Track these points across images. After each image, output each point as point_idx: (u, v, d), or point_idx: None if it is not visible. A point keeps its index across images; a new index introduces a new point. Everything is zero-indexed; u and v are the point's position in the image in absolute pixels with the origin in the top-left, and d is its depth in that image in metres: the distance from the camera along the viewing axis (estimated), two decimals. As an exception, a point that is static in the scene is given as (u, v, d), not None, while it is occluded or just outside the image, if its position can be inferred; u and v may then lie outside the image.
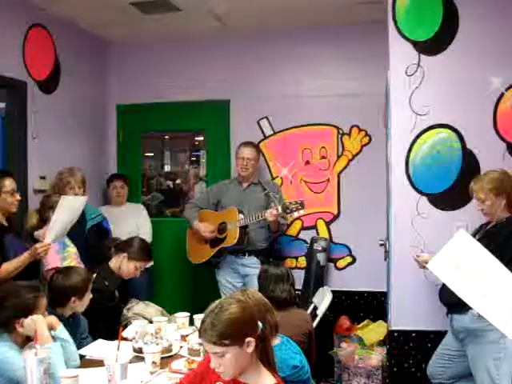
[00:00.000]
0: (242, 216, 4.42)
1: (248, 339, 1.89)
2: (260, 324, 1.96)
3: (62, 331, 2.71)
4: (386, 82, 3.91)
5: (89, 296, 3.13)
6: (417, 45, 3.66)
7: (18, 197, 3.38)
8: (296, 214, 4.23)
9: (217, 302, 1.98)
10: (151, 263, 4.27)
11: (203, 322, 1.93)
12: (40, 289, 2.68)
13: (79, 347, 3.02)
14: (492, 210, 3.17)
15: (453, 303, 3.13)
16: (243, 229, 4.41)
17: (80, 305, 3.09)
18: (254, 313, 1.97)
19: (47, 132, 4.55)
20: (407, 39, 3.67)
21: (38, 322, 2.50)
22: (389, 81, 3.75)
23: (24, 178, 4.21)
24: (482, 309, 2.86)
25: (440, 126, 3.65)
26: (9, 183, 3.33)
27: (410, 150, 3.68)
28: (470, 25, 3.61)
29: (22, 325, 2.49)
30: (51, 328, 2.65)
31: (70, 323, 3.08)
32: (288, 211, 4.19)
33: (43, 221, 3.76)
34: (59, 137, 4.74)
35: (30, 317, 2.50)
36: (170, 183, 6.78)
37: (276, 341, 2.48)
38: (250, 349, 1.90)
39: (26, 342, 2.53)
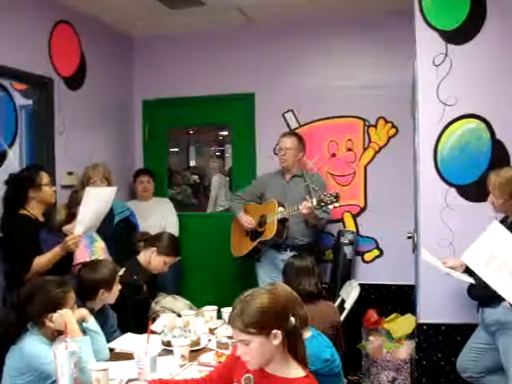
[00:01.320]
0: (281, 209, 4.33)
1: (275, 331, 1.90)
2: (292, 319, 1.96)
3: (92, 323, 2.73)
4: (413, 73, 3.86)
5: (117, 287, 3.14)
6: (444, 34, 3.61)
7: (54, 188, 3.51)
8: (331, 207, 4.14)
9: (249, 290, 1.99)
10: (179, 258, 4.28)
11: (233, 308, 1.95)
12: (68, 283, 2.69)
13: (108, 340, 3.04)
14: (503, 208, 3.16)
15: (484, 297, 3.10)
16: (282, 222, 4.33)
17: (109, 297, 3.11)
18: (284, 306, 1.97)
19: (74, 128, 4.60)
20: (434, 28, 3.62)
21: (67, 316, 2.51)
22: (416, 71, 3.70)
23: (52, 173, 4.24)
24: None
25: (468, 116, 3.60)
26: (45, 176, 3.44)
27: (438, 140, 3.63)
28: (497, 13, 3.54)
29: (51, 319, 2.50)
30: (83, 320, 2.67)
31: (99, 317, 3.10)
32: (322, 204, 4.09)
33: (72, 216, 3.79)
34: (86, 132, 4.79)
35: (58, 311, 2.52)
36: (196, 177, 6.82)
37: (307, 334, 2.48)
38: (277, 341, 1.91)
39: (56, 335, 2.55)
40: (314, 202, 4.11)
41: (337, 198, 4.08)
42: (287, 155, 4.52)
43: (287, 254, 4.33)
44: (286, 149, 4.52)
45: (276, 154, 4.87)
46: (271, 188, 4.60)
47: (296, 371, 1.97)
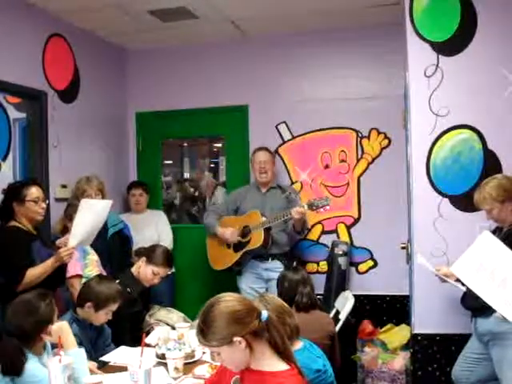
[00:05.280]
0: (264, 218, 4.40)
1: (235, 338, 1.91)
2: (264, 313, 1.96)
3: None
4: (405, 84, 3.89)
5: (106, 315, 3.02)
6: (435, 46, 3.64)
7: (43, 205, 3.36)
8: (322, 210, 4.20)
9: (207, 303, 1.99)
10: (170, 271, 4.23)
11: (196, 325, 1.99)
12: (49, 294, 2.61)
13: (102, 355, 3.03)
14: (501, 216, 3.14)
15: (477, 307, 3.10)
16: (267, 231, 4.40)
17: (93, 316, 3.01)
18: (242, 311, 1.94)
19: (68, 141, 4.60)
20: (425, 40, 3.65)
21: (64, 328, 2.51)
22: (408, 82, 3.73)
23: (46, 186, 4.24)
24: (506, 311, 2.84)
25: (460, 126, 3.62)
26: (32, 192, 3.32)
27: (430, 151, 3.66)
28: (488, 25, 3.58)
29: (50, 333, 2.47)
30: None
31: (94, 331, 3.09)
32: (314, 207, 4.17)
33: (68, 228, 3.78)
34: (80, 145, 4.79)
35: (56, 324, 2.50)
36: (191, 190, 6.81)
37: (298, 345, 2.49)
38: (242, 346, 1.92)
39: (42, 351, 2.52)
40: (306, 207, 4.16)
41: (327, 200, 4.16)
42: (267, 168, 4.61)
43: (269, 263, 4.50)
44: (264, 162, 4.60)
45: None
46: (247, 201, 4.65)
47: (278, 365, 1.98)
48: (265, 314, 1.97)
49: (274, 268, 4.44)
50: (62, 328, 2.51)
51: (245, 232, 4.52)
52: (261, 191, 4.68)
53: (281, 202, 4.55)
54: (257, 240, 4.41)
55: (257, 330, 1.94)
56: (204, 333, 1.94)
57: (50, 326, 2.48)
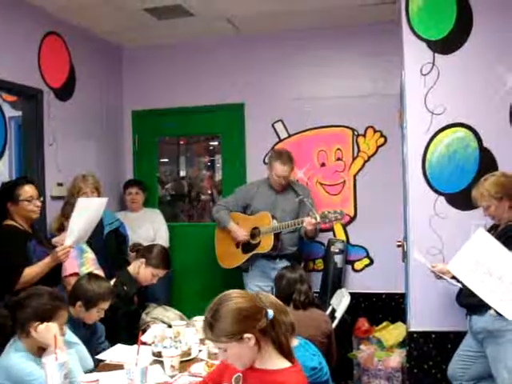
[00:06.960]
0: (275, 222, 4.36)
1: (246, 335, 1.92)
2: (270, 312, 1.97)
3: (70, 335, 2.68)
4: (401, 82, 3.89)
5: (97, 313, 3.05)
6: (431, 44, 3.65)
7: (37, 203, 3.35)
8: (334, 223, 4.18)
9: (216, 298, 2.00)
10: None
11: (204, 320, 1.99)
12: (62, 300, 2.63)
13: (96, 352, 3.03)
14: (498, 213, 3.14)
15: (471, 305, 3.11)
16: (277, 236, 4.37)
17: (85, 315, 3.04)
18: (252, 308, 1.96)
19: (63, 139, 4.59)
20: (421, 38, 3.65)
21: (52, 330, 2.44)
22: (404, 80, 3.73)
23: (42, 184, 4.23)
24: (502, 308, 2.85)
25: (456, 125, 3.63)
26: (25, 191, 3.30)
27: (426, 149, 3.66)
28: (484, 23, 3.59)
29: (36, 329, 2.44)
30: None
31: (87, 328, 3.09)
32: (327, 220, 4.17)
33: (63, 227, 3.78)
34: (75, 143, 4.78)
35: (45, 324, 2.46)
36: (186, 188, 6.82)
37: (294, 343, 2.49)
38: (251, 343, 1.93)
39: (40, 351, 2.49)
40: (318, 219, 4.15)
41: (341, 214, 4.16)
42: (284, 181, 4.49)
43: (277, 263, 4.42)
44: (284, 177, 4.46)
45: (266, 163, 4.84)
46: (258, 199, 4.56)
47: (281, 363, 2.00)
48: (270, 312, 1.98)
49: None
50: (48, 329, 2.45)
51: (254, 233, 4.49)
52: (273, 190, 4.56)
53: (293, 205, 4.46)
54: (266, 244, 4.38)
55: (264, 328, 1.96)
56: (213, 328, 1.94)
57: (39, 323, 2.45)
